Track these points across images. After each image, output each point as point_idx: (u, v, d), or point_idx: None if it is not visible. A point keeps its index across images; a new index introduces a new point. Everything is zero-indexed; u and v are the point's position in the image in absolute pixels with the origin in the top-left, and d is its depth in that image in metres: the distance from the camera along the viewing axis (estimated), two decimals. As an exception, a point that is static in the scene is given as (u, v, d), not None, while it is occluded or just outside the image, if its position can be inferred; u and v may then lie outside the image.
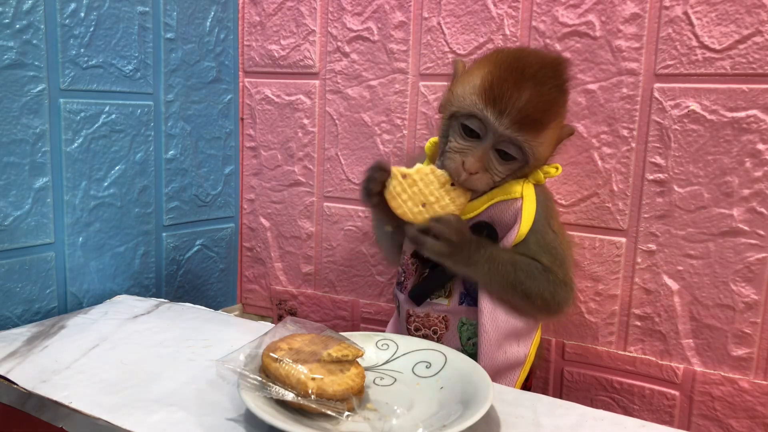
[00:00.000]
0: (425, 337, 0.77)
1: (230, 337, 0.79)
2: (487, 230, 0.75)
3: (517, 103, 0.67)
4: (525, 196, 0.74)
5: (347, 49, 1.05)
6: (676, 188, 0.85)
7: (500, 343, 0.74)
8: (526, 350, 0.77)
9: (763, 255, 0.81)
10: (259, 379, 0.58)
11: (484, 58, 0.74)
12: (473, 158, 0.70)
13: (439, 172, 0.73)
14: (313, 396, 0.55)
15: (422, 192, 0.72)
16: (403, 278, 0.81)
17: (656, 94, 0.85)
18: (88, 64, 0.90)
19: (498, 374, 0.75)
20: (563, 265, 0.74)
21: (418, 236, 0.72)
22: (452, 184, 0.73)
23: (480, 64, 0.73)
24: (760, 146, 0.79)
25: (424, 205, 0.72)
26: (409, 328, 0.79)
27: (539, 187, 0.77)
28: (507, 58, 0.70)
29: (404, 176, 0.73)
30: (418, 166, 0.74)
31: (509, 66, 0.69)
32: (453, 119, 0.73)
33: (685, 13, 0.82)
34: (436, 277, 0.77)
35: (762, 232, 0.80)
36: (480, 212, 0.75)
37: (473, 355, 0.73)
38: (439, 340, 0.77)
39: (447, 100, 0.75)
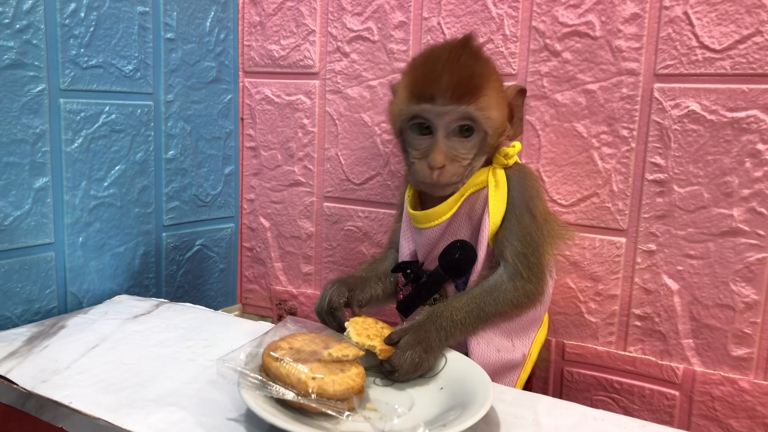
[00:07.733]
0: None
1: (230, 336, 0.79)
2: (459, 251, 0.75)
3: (443, 83, 0.71)
4: (491, 183, 0.75)
5: (347, 49, 1.05)
6: (676, 188, 0.85)
7: (490, 340, 0.74)
8: (524, 350, 0.77)
9: (763, 255, 0.81)
10: (260, 378, 0.58)
11: (404, 72, 0.78)
12: (434, 152, 0.72)
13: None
14: (313, 395, 0.55)
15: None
16: (401, 295, 0.81)
17: (656, 94, 0.85)
18: (88, 64, 0.90)
19: (495, 375, 0.75)
20: (537, 251, 0.74)
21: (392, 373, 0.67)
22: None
23: (403, 77, 0.78)
24: (760, 146, 0.79)
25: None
26: None
27: (513, 170, 0.76)
28: (419, 60, 0.76)
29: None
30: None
31: (423, 63, 0.74)
32: (403, 131, 0.76)
33: (685, 13, 0.82)
34: (421, 290, 0.78)
35: (762, 232, 0.81)
36: (455, 211, 0.75)
37: None
38: None
39: (392, 119, 0.78)
